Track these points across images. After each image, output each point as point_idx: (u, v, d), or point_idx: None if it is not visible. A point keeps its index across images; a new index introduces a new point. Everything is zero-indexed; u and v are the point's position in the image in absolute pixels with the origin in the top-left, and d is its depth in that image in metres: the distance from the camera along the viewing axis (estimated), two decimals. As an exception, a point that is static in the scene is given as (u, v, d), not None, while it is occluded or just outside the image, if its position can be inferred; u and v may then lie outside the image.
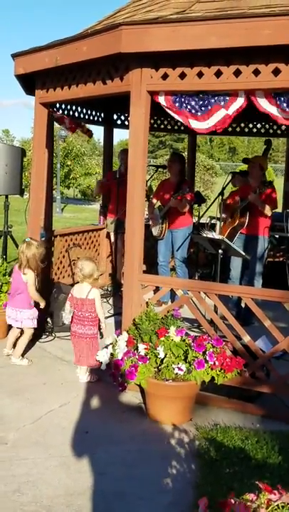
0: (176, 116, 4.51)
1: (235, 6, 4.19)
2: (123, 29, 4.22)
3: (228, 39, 3.88)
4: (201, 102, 4.37)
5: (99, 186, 8.58)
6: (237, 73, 4.12)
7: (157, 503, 3.10)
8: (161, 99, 4.49)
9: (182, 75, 4.31)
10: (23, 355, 5.25)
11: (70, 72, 5.10)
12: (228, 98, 4.28)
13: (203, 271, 8.46)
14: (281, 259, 8.88)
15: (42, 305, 5.32)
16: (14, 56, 5.51)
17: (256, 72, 4.05)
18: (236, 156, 68.66)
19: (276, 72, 3.99)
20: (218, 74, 4.18)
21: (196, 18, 4.01)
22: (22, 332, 5.38)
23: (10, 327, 5.91)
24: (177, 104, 4.42)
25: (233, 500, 1.89)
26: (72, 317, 4.89)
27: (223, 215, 6.66)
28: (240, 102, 4.27)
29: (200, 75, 4.25)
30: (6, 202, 7.83)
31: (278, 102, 4.15)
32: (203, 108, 4.34)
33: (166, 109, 4.55)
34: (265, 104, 4.20)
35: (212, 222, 9.21)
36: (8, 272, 6.11)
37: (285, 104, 4.12)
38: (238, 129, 9.29)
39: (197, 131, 4.65)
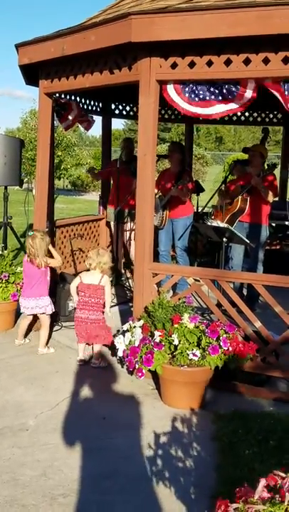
0: (184, 106, 4.52)
1: (243, -5, 4.21)
2: (133, 18, 4.23)
3: (239, 28, 3.91)
4: (209, 92, 4.42)
5: (95, 173, 8.53)
6: (246, 62, 4.15)
7: (182, 484, 3.17)
8: (170, 88, 4.51)
9: (191, 64, 4.34)
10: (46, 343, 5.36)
11: (76, 61, 5.09)
12: (237, 90, 4.31)
13: (201, 260, 8.52)
14: (278, 247, 8.97)
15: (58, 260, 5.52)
16: (18, 46, 5.47)
17: (266, 61, 4.09)
18: (223, 145, 68.47)
19: (286, 60, 4.03)
20: (228, 63, 4.21)
21: (207, 7, 4.02)
22: (34, 321, 5.47)
23: (17, 318, 5.96)
24: (187, 95, 4.45)
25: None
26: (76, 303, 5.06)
27: (222, 202, 6.65)
28: (248, 95, 4.31)
29: (209, 63, 4.27)
30: (6, 193, 7.82)
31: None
32: (212, 96, 4.39)
33: (172, 101, 4.56)
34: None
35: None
36: (13, 262, 6.14)
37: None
38: (234, 118, 9.32)
39: (203, 117, 4.67)
